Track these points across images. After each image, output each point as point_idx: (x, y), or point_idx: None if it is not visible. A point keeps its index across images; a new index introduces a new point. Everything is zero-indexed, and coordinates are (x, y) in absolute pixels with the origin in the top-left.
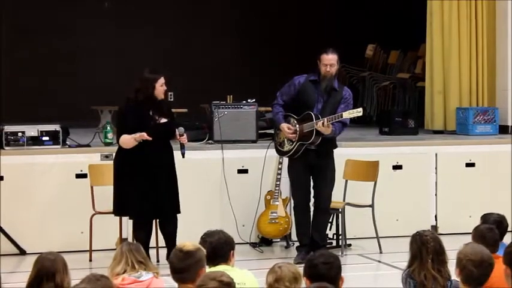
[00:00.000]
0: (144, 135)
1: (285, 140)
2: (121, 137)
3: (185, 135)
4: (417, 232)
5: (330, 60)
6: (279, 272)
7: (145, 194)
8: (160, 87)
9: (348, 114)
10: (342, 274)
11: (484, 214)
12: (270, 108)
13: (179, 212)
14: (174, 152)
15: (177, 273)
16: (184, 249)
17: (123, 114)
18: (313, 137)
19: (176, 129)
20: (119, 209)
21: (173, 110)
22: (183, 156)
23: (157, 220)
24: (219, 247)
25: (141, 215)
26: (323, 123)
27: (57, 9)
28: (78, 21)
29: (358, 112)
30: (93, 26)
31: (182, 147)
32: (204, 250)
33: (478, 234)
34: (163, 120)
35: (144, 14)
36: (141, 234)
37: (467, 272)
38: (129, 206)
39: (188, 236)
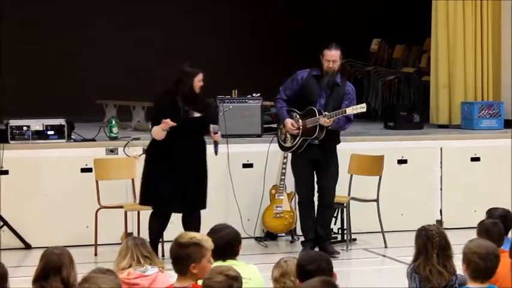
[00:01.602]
0: (169, 122)
1: (288, 135)
2: (153, 128)
3: (219, 133)
4: (422, 227)
5: (332, 56)
6: (285, 267)
7: (169, 185)
8: (198, 83)
9: (351, 110)
10: (335, 270)
11: (490, 209)
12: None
13: (203, 208)
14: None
15: (172, 263)
16: (178, 240)
17: (156, 106)
18: (317, 132)
19: (211, 126)
20: (144, 198)
21: None
22: (216, 154)
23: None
24: (231, 242)
25: (162, 204)
26: (327, 118)
27: (61, 3)
28: (83, 15)
29: (361, 108)
30: (99, 20)
31: (215, 145)
32: (205, 245)
33: (483, 229)
34: (197, 114)
35: (150, 9)
36: (157, 224)
37: (474, 266)
38: (153, 195)
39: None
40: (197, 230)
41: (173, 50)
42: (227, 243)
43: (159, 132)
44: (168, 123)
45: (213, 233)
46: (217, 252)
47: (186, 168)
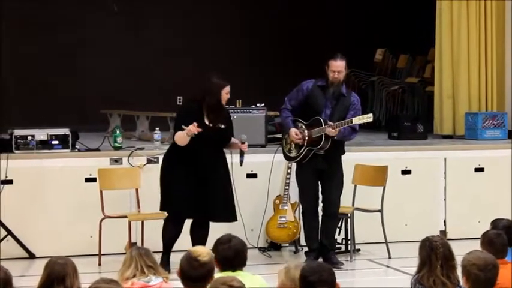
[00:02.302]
0: (194, 128)
1: (293, 145)
2: (176, 133)
3: (246, 144)
4: (426, 237)
5: (337, 67)
6: (292, 272)
7: (186, 193)
8: (225, 95)
9: (357, 120)
10: (338, 280)
11: (494, 219)
12: (278, 113)
13: (234, 219)
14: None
15: (190, 281)
16: (200, 260)
17: (181, 114)
18: (322, 142)
19: (241, 136)
20: (163, 204)
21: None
22: (241, 164)
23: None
24: (239, 251)
25: (178, 212)
26: (333, 128)
27: (66, 8)
28: (88, 23)
29: (368, 118)
30: (105, 30)
31: (241, 155)
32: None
33: (487, 240)
34: (222, 126)
35: (153, 21)
36: (172, 231)
37: (473, 277)
38: (170, 202)
39: None
40: (205, 238)
41: (174, 50)
42: (236, 252)
43: (183, 137)
44: (193, 129)
45: (222, 243)
46: (227, 262)
47: (209, 177)
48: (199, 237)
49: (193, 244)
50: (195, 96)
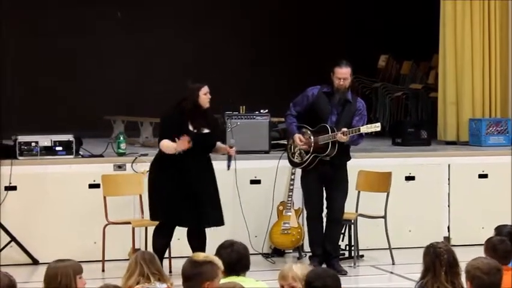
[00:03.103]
0: (185, 144)
1: (299, 150)
2: (162, 141)
3: (234, 148)
4: (431, 244)
5: (343, 74)
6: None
7: (177, 199)
8: (204, 96)
9: (365, 129)
10: (342, 286)
11: (498, 226)
12: (282, 119)
13: (222, 224)
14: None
15: (184, 281)
16: (193, 259)
17: (164, 122)
18: (329, 149)
19: (230, 141)
20: (152, 213)
21: None
22: (228, 168)
23: (186, 231)
24: (242, 256)
25: (170, 218)
26: (345, 135)
27: (74, 13)
28: (92, 28)
29: (376, 127)
30: (109, 36)
31: (229, 159)
32: (218, 264)
33: (490, 246)
34: (205, 130)
35: (157, 26)
36: (161, 239)
37: (478, 281)
38: (158, 211)
39: None
40: (203, 246)
41: (179, 56)
42: (239, 257)
43: (171, 149)
44: (183, 145)
45: (225, 247)
46: (231, 266)
47: (197, 184)
48: (196, 246)
49: (193, 250)
50: (174, 105)
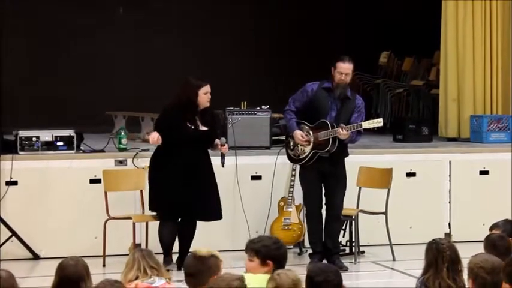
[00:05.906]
0: (153, 139)
1: (298, 147)
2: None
3: (226, 146)
4: (433, 240)
5: (345, 69)
6: (278, 280)
7: (174, 194)
8: (204, 95)
9: (367, 125)
10: (346, 282)
11: (492, 224)
12: (282, 115)
13: (220, 218)
14: (214, 160)
15: (188, 276)
16: (197, 254)
17: (161, 118)
18: (329, 146)
19: (218, 139)
20: (152, 204)
21: None
22: (223, 166)
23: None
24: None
25: (170, 212)
26: (346, 130)
27: (76, 15)
28: (96, 27)
29: (378, 122)
30: (111, 32)
31: (222, 157)
32: (220, 257)
33: (490, 243)
34: (203, 128)
35: (162, 22)
36: (167, 232)
37: (480, 281)
38: (161, 203)
39: (201, 242)
40: (191, 238)
41: (185, 64)
42: (285, 250)
43: (153, 138)
44: (152, 139)
45: (275, 243)
46: (283, 260)
47: (195, 178)
48: (186, 236)
49: (180, 242)
50: (173, 100)
